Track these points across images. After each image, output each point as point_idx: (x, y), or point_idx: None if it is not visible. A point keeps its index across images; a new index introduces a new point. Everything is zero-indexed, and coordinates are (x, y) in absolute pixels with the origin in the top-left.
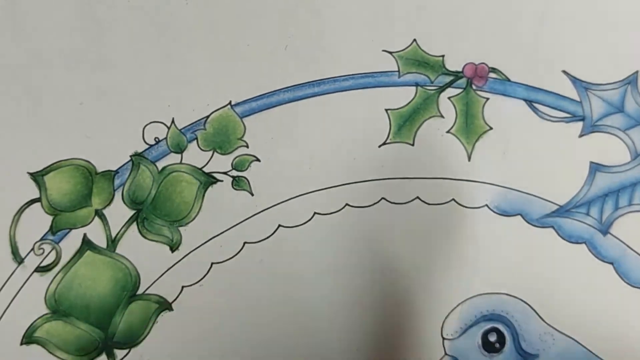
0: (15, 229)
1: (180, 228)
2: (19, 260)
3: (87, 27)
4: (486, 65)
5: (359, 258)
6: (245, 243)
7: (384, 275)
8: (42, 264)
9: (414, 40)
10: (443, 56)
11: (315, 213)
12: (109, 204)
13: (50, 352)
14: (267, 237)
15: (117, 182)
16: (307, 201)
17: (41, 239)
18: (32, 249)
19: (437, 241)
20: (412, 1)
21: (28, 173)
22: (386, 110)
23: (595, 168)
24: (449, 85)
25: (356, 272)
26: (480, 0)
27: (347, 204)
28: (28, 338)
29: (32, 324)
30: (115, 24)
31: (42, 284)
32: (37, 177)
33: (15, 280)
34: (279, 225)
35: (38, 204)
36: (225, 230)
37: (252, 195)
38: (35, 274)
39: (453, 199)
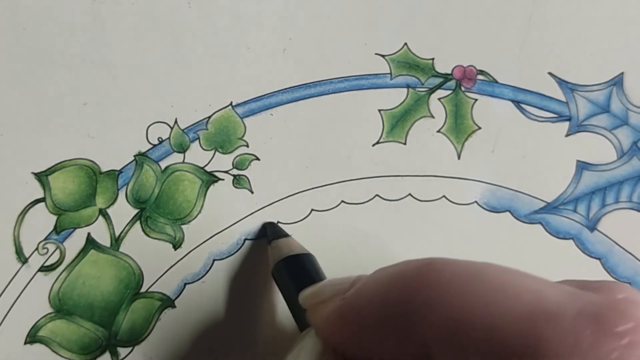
0: (20, 228)
1: (183, 226)
2: (23, 259)
3: (91, 28)
4: (474, 67)
5: (354, 252)
6: (245, 239)
7: (378, 267)
8: (46, 264)
9: (405, 44)
10: (433, 59)
11: (312, 210)
12: (112, 203)
13: (54, 351)
14: None
15: (120, 181)
16: (305, 198)
17: (45, 239)
18: (36, 249)
19: (429, 236)
20: (402, 7)
21: (32, 173)
22: (379, 110)
23: (582, 166)
24: (439, 86)
25: (352, 266)
26: (468, 5)
27: (342, 201)
28: (32, 337)
29: (36, 323)
30: (119, 25)
31: (46, 283)
32: (42, 177)
33: (19, 280)
34: (278, 222)
35: (42, 204)
36: (227, 228)
37: (252, 193)
38: (39, 273)
39: (444, 196)
